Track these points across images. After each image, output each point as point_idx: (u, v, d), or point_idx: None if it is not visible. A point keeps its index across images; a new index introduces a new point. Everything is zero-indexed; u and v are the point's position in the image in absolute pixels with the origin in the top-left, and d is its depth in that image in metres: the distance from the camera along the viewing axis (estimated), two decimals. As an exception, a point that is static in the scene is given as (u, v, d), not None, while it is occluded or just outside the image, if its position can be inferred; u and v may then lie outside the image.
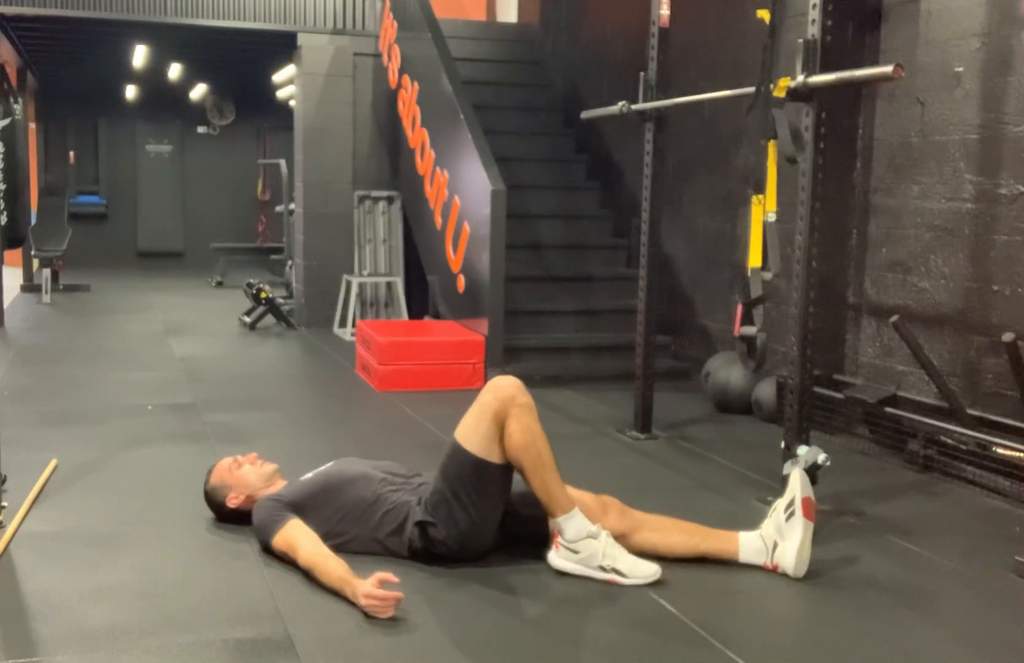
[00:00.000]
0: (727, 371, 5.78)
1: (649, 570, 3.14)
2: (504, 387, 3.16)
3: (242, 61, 11.60)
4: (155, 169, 15.16)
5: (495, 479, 3.17)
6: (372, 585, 2.81)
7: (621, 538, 3.29)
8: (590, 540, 3.14)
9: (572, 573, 3.14)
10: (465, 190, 6.78)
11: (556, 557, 3.19)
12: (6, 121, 8.43)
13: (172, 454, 4.63)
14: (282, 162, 11.94)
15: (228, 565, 3.25)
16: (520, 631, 2.82)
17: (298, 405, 6.14)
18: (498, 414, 3.11)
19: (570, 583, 3.13)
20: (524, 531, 3.32)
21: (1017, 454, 4.03)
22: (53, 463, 4.27)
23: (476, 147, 6.58)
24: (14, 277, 10.64)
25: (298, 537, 3.14)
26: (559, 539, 3.17)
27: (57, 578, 3.10)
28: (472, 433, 3.14)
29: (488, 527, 3.23)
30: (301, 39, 8.71)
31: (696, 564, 3.28)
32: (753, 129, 4.34)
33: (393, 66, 8.30)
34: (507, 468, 3.18)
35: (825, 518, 3.67)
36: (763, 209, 4.22)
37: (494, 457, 3.13)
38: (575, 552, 3.15)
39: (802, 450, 3.68)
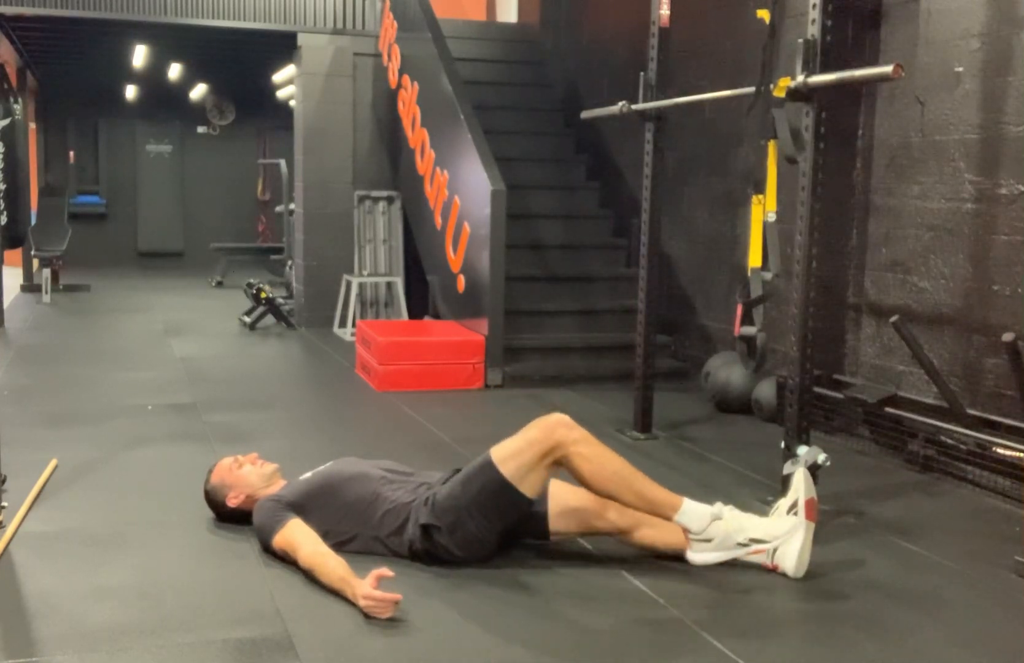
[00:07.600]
0: (727, 371, 5.78)
1: (786, 525, 3.12)
2: (553, 427, 3.13)
3: (242, 61, 11.60)
4: (155, 169, 15.14)
5: (515, 505, 3.17)
6: (370, 584, 2.82)
7: (621, 535, 3.31)
8: (716, 523, 3.12)
9: (716, 562, 3.11)
10: (465, 190, 6.78)
11: (693, 554, 3.15)
12: (6, 121, 8.43)
13: (172, 454, 4.63)
14: (282, 162, 11.94)
15: (228, 565, 3.25)
16: (520, 631, 2.82)
17: (298, 405, 6.13)
18: (545, 454, 3.10)
19: (569, 583, 3.14)
20: (524, 531, 3.33)
21: (1017, 454, 4.03)
22: (53, 463, 4.27)
23: (476, 147, 6.58)
24: (14, 277, 10.64)
25: (298, 537, 3.14)
26: (688, 536, 3.15)
27: (57, 578, 3.10)
28: (511, 459, 3.12)
29: (492, 540, 3.23)
30: (301, 39, 8.72)
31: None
32: (753, 129, 4.34)
33: (393, 66, 8.30)
34: (530, 503, 3.18)
35: (825, 518, 3.67)
36: (763, 209, 4.23)
37: (524, 488, 3.13)
38: (708, 541, 3.12)
39: (802, 450, 3.67)
